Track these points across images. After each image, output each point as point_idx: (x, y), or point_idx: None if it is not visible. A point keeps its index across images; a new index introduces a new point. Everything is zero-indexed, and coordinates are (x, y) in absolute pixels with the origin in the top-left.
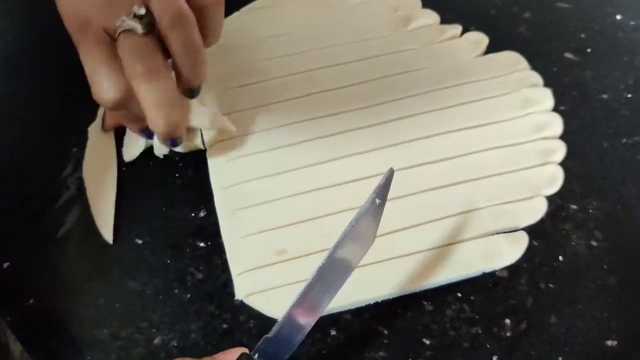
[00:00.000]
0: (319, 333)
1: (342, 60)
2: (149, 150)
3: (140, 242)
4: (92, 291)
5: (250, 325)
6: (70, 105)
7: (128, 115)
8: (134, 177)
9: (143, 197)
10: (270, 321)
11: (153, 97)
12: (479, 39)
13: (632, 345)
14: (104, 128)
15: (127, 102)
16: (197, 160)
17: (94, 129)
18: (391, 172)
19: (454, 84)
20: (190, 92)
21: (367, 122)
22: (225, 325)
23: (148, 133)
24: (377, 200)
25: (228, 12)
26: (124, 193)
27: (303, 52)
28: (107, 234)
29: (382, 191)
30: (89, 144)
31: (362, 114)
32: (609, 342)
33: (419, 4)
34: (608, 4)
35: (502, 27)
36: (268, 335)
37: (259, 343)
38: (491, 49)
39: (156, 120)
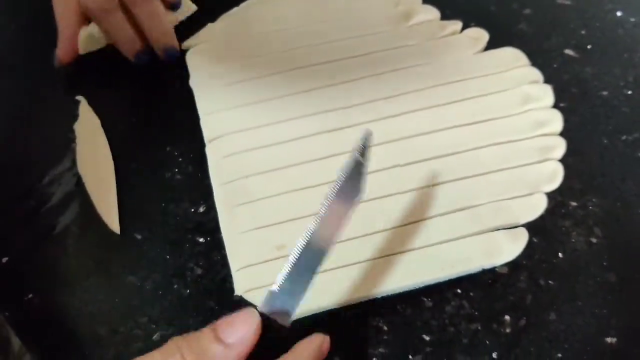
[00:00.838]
0: (318, 330)
1: (342, 55)
2: (147, 144)
3: (139, 237)
4: (91, 287)
5: None
6: (67, 100)
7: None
8: (133, 173)
9: (142, 193)
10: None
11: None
12: (479, 35)
13: (631, 342)
14: (58, 61)
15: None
16: (197, 156)
17: (79, 126)
18: (368, 133)
19: (454, 80)
20: (172, 6)
21: (366, 117)
22: None
23: (141, 55)
24: (358, 156)
25: (228, 7)
26: (123, 188)
27: (302, 47)
28: (114, 224)
29: (362, 149)
30: (78, 141)
31: (362, 110)
32: (609, 339)
33: (438, 15)
34: (608, 0)
35: (502, 23)
36: (272, 289)
37: (264, 297)
38: (491, 45)
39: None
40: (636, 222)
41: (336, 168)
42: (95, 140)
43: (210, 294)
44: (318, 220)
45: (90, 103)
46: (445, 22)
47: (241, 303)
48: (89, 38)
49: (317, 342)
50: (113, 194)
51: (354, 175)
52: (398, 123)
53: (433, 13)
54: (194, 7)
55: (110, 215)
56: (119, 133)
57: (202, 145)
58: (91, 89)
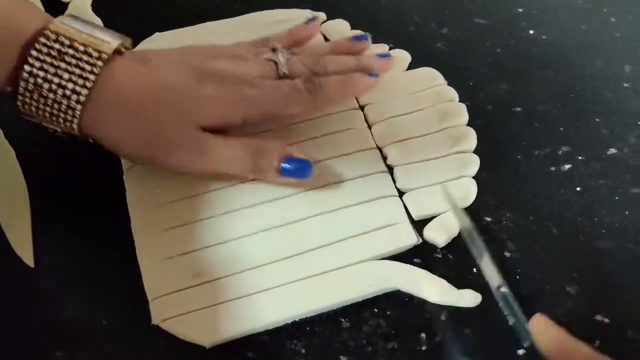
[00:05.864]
0: (236, 356)
1: None
2: (62, 174)
3: (55, 269)
4: (5, 321)
5: (169, 350)
6: None
7: None
8: (49, 204)
9: (58, 225)
10: (188, 345)
11: None
12: (402, 56)
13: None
14: None
15: None
16: (115, 184)
17: None
18: None
19: (372, 101)
20: None
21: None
22: (144, 351)
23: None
24: None
25: None
26: (38, 220)
27: None
28: (27, 256)
29: None
30: None
31: (281, 137)
32: (520, 351)
33: (348, 27)
34: (522, 19)
35: (420, 43)
36: None
37: None
38: (413, 64)
39: None
40: (548, 235)
41: (254, 193)
42: (10, 173)
43: (129, 323)
44: None
45: (7, 134)
46: (374, 45)
47: (159, 332)
48: None
49: None
50: (27, 227)
51: None
52: (312, 145)
53: None
54: None
55: (23, 247)
56: (35, 165)
57: (120, 172)
58: (10, 121)
